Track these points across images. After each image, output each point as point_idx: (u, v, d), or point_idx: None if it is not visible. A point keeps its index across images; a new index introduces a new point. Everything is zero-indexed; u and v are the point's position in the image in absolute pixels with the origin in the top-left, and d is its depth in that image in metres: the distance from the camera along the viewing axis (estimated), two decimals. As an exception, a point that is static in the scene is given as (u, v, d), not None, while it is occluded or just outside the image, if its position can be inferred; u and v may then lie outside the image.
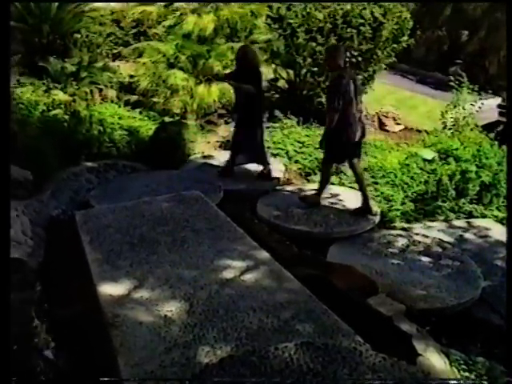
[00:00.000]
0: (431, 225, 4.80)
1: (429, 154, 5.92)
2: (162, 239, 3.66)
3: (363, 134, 4.59)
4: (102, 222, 4.00)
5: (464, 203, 5.08)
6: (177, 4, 7.99)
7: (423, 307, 3.34)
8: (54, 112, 5.53)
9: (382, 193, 5.11)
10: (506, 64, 4.78)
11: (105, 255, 3.44)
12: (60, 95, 5.99)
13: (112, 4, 9.84)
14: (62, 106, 5.70)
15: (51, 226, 4.28)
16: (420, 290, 3.53)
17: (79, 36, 7.33)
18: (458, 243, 4.42)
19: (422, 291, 3.51)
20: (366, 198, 4.57)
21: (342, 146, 4.52)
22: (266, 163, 5.38)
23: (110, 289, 3.03)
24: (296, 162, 5.96)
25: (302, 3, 7.07)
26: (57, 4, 6.80)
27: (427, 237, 4.41)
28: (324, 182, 4.73)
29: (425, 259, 4.01)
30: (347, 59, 6.49)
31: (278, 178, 5.48)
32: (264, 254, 3.46)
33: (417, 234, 4.47)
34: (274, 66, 7.98)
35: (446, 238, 4.47)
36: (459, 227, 4.78)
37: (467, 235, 4.62)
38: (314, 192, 4.79)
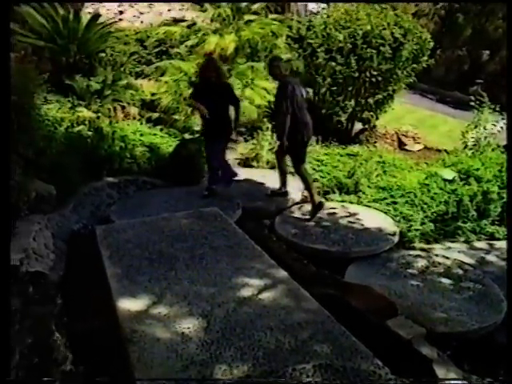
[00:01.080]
0: (452, 246, 4.73)
1: (449, 174, 5.86)
2: (180, 255, 3.69)
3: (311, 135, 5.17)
4: (122, 237, 4.05)
5: (486, 224, 5.00)
6: (199, 24, 8.17)
7: (444, 331, 3.27)
8: (78, 128, 5.67)
9: (401, 212, 5.07)
10: (507, 64, 4.74)
11: (124, 270, 3.48)
12: (84, 112, 6.14)
13: (136, 24, 10.15)
14: (86, 122, 5.84)
15: (72, 239, 4.36)
16: (440, 312, 3.47)
17: (104, 55, 7.54)
18: (480, 265, 4.34)
19: (443, 314, 3.45)
20: (312, 196, 4.94)
21: (302, 145, 5.02)
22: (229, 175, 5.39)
23: (129, 304, 3.06)
24: (314, 180, 5.96)
25: (323, 24, 7.15)
26: (84, 25, 7.02)
27: (447, 258, 4.34)
28: (282, 177, 5.41)
29: (445, 281, 3.94)
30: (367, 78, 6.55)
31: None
32: (282, 273, 3.45)
33: (437, 255, 4.41)
34: (293, 84, 8.04)
35: (467, 260, 4.39)
36: (481, 249, 4.70)
37: (489, 257, 4.53)
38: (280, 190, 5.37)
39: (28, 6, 6.83)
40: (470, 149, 7.14)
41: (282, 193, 5.39)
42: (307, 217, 4.89)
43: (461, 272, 4.09)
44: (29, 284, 2.96)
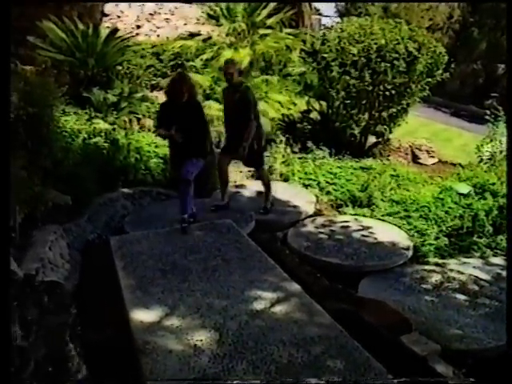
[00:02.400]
0: (467, 261, 4.67)
1: (464, 188, 5.81)
2: (193, 267, 3.70)
3: None
4: (136, 248, 4.08)
5: (502, 240, 4.93)
6: (215, 38, 8.30)
7: (459, 348, 3.22)
8: (94, 140, 5.77)
9: (415, 226, 5.03)
10: (506, 65, 4.71)
11: (137, 281, 3.51)
12: (101, 124, 6.25)
13: (153, 38, 10.34)
14: (103, 134, 5.94)
15: (87, 249, 4.40)
16: (455, 329, 3.42)
17: (121, 68, 7.68)
18: (496, 281, 4.27)
19: (458, 331, 3.40)
20: (267, 199, 5.15)
21: (264, 149, 5.18)
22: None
23: (142, 315, 3.08)
24: (327, 193, 5.96)
25: (337, 38, 7.20)
26: (103, 39, 7.19)
27: (462, 273, 4.29)
28: (224, 188, 5.25)
29: (460, 297, 3.89)
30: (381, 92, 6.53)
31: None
32: (295, 286, 3.44)
33: (451, 271, 4.35)
34: (307, 97, 8.10)
35: (483, 276, 4.33)
36: (496, 264, 4.63)
37: (505, 273, 4.46)
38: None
39: (49, 22, 7.01)
40: (486, 163, 7.08)
41: (224, 205, 5.14)
42: (320, 229, 4.88)
43: (476, 288, 4.03)
44: (44, 293, 2.99)
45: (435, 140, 9.03)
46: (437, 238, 4.88)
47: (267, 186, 5.25)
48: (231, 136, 5.05)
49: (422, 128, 10.14)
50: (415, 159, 8.12)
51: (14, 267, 2.99)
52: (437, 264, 4.54)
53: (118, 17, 11.10)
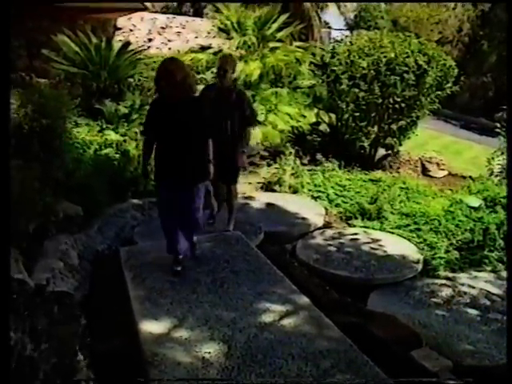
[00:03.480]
0: (478, 275, 4.61)
1: (475, 202, 5.77)
2: (202, 279, 3.70)
3: None
4: (145, 258, 4.10)
5: (513, 254, 4.87)
6: (225, 51, 8.38)
7: (471, 363, 3.18)
8: (105, 151, 5.83)
9: (425, 240, 4.99)
10: (507, 66, 4.68)
11: (146, 292, 3.52)
12: (112, 135, 6.32)
13: (164, 51, 10.47)
14: (114, 145, 6.01)
15: (97, 260, 4.43)
16: (467, 344, 3.37)
17: (132, 80, 7.78)
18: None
19: (470, 346, 3.35)
20: (230, 219, 4.74)
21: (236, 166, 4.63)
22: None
23: (151, 326, 3.08)
24: (337, 205, 5.95)
25: (347, 51, 7.24)
26: (115, 52, 7.30)
27: (474, 288, 4.24)
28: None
29: (472, 312, 3.84)
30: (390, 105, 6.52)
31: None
32: (303, 299, 3.43)
33: (462, 285, 4.31)
34: (316, 110, 8.13)
35: (495, 290, 4.27)
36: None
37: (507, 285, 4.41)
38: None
39: (64, 35, 7.15)
40: (496, 176, 7.03)
41: (212, 223, 4.81)
42: (329, 242, 4.87)
43: (488, 303, 3.98)
44: (54, 304, 3.01)
45: (445, 152, 8.99)
46: (447, 252, 4.83)
47: (232, 206, 4.77)
48: (222, 144, 4.05)
49: (432, 140, 10.10)
50: (425, 172, 8.08)
51: (25, 277, 3.02)
52: (447, 278, 4.50)
53: (131, 30, 11.29)
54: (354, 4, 21.81)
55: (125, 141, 6.19)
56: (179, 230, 3.69)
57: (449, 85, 7.44)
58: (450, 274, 4.58)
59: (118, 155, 5.83)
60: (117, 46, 7.74)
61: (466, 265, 4.76)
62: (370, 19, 22.10)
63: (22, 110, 4.16)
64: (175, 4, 17.51)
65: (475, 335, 3.49)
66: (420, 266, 4.47)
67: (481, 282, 4.43)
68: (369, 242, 4.85)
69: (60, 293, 3.24)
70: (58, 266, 3.62)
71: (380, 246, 4.84)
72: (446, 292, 4.15)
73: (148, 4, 10.04)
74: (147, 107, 7.74)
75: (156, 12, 13.01)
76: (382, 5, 22.32)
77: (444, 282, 4.38)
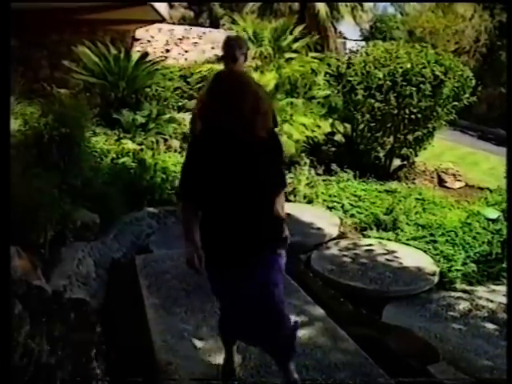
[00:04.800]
0: (496, 289, 4.52)
1: (492, 213, 5.68)
2: (216, 288, 3.70)
3: None
4: (160, 267, 4.13)
5: (533, 267, 4.78)
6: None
7: (489, 379, 3.11)
8: (122, 160, 5.92)
9: (441, 251, 4.93)
10: (507, 67, 4.60)
11: (161, 301, 3.54)
12: (129, 144, 6.42)
13: (181, 61, 10.61)
14: (130, 154, 6.09)
15: (112, 267, 4.47)
16: (485, 359, 3.30)
17: (149, 90, 7.91)
18: (527, 311, 4.13)
19: (488, 362, 3.28)
20: None
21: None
22: None
23: (165, 335, 3.09)
24: (351, 215, 5.92)
25: (362, 62, 7.25)
26: (133, 63, 7.44)
27: (492, 301, 4.16)
28: None
29: (490, 326, 3.77)
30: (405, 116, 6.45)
31: None
32: (318, 311, 3.41)
33: (480, 298, 4.23)
34: (331, 120, 8.14)
35: (513, 305, 4.19)
36: (528, 293, 4.48)
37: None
38: None
39: (84, 46, 7.31)
40: (515, 187, 6.92)
41: None
42: (344, 252, 4.84)
43: (506, 317, 3.90)
44: (71, 311, 3.05)
45: (462, 163, 8.89)
46: (464, 264, 4.76)
47: None
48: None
49: (448, 151, 10.01)
50: (441, 183, 8.01)
51: (43, 284, 3.07)
52: (464, 291, 4.42)
53: (148, 41, 11.48)
54: (370, 14, 21.85)
55: (141, 150, 6.28)
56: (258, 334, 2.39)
57: (466, 95, 7.38)
58: (467, 287, 4.50)
59: (134, 164, 5.91)
60: (135, 56, 7.88)
61: (484, 278, 4.68)
62: (386, 30, 22.11)
63: (43, 120, 4.26)
64: (192, 15, 17.76)
65: (494, 350, 3.42)
66: (436, 279, 4.40)
67: (499, 296, 4.34)
68: (384, 254, 4.81)
69: (76, 300, 3.28)
70: (75, 273, 3.67)
71: (395, 257, 4.79)
72: (463, 305, 4.08)
73: (166, 15, 10.21)
74: (165, 117, 7.84)
75: (173, 23, 13.23)
76: (398, 15, 22.32)
77: (461, 295, 4.31)
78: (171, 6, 13.22)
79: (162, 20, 10.37)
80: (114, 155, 5.97)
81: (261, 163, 2.22)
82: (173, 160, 6.53)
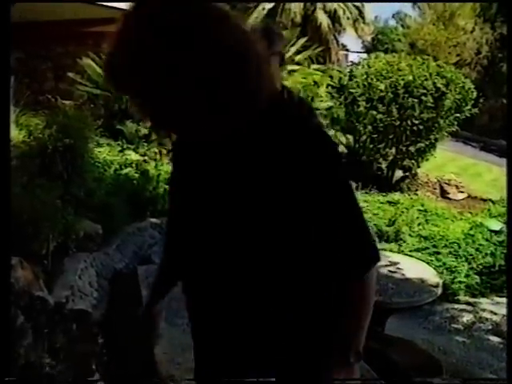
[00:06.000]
0: (500, 301, 4.50)
1: (496, 225, 5.67)
2: (218, 299, 3.69)
3: None
4: (163, 278, 4.12)
5: (537, 280, 4.75)
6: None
7: (493, 393, 3.09)
8: (125, 170, 5.94)
9: (444, 263, 4.92)
10: (507, 67, 4.62)
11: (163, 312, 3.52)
12: (132, 155, 6.45)
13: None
14: (134, 165, 6.11)
15: (114, 278, 4.46)
16: (489, 373, 3.28)
17: (153, 101, 7.96)
18: (531, 324, 4.10)
19: (492, 375, 3.26)
20: None
21: None
22: None
23: (166, 347, 3.07)
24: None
25: (364, 74, 7.31)
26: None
27: (496, 314, 4.14)
28: None
29: (494, 339, 3.74)
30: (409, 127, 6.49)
31: None
32: (320, 322, 3.39)
33: (484, 310, 4.21)
34: (333, 131, 8.17)
35: (518, 317, 4.16)
36: (532, 306, 4.45)
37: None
38: None
39: (88, 58, 7.39)
40: (518, 199, 6.91)
41: None
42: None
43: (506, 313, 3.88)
44: (73, 322, 3.05)
45: (464, 175, 8.90)
46: (467, 276, 4.75)
47: None
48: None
49: (451, 162, 10.02)
50: (444, 194, 8.01)
51: (45, 295, 3.07)
52: (468, 303, 4.40)
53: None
54: (372, 27, 22.04)
55: (145, 161, 6.30)
56: None
57: (468, 107, 7.43)
58: (471, 299, 4.49)
59: (137, 175, 5.93)
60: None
61: (488, 290, 4.67)
62: (388, 42, 22.27)
63: (47, 131, 4.29)
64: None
65: (498, 363, 3.39)
66: (439, 291, 4.39)
67: (503, 308, 4.31)
68: (386, 265, 4.79)
69: (78, 311, 3.28)
70: (77, 284, 3.67)
71: (398, 269, 4.78)
72: (466, 318, 4.05)
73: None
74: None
75: (177, 35, 13.32)
76: (400, 28, 22.50)
77: (464, 307, 4.29)
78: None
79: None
80: (117, 166, 5.99)
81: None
82: (175, 171, 6.54)
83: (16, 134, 4.59)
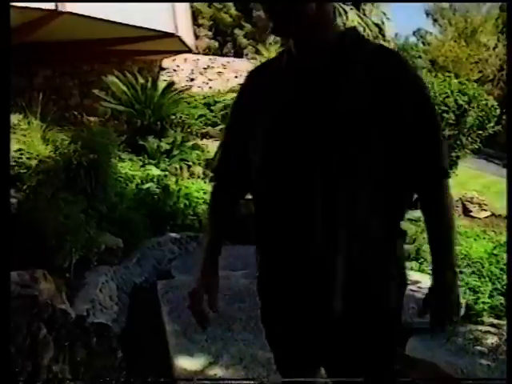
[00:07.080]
0: (526, 323, 4.37)
1: (521, 245, 5.54)
2: (237, 316, 3.69)
3: None
4: (182, 293, 4.13)
5: None
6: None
7: (519, 420, 2.98)
8: (146, 185, 6.04)
9: (467, 283, 4.81)
10: (507, 68, 4.52)
11: (182, 327, 3.53)
12: (153, 170, 6.55)
13: (205, 90, 10.87)
14: (155, 180, 6.21)
15: (134, 292, 4.50)
16: (515, 398, 3.17)
17: (174, 117, 8.11)
18: (559, 348, 3.96)
19: (518, 400, 3.15)
20: None
21: None
22: None
23: (186, 363, 3.08)
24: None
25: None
26: (160, 92, 7.68)
27: (521, 337, 4.01)
28: None
29: (520, 363, 3.62)
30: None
31: None
32: (340, 341, 3.34)
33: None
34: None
35: (544, 341, 4.03)
36: (559, 329, 4.30)
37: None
38: None
39: (113, 76, 7.60)
40: (544, 218, 6.75)
41: None
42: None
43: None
44: (93, 335, 3.08)
45: (487, 192, 8.74)
46: (491, 297, 4.63)
47: None
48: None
49: (473, 180, 9.86)
50: (466, 212, 7.87)
51: (67, 308, 3.12)
52: (492, 325, 4.28)
53: (174, 70, 11.81)
54: (392, 43, 22.02)
55: (165, 176, 6.39)
56: None
57: (491, 124, 7.33)
58: (495, 321, 4.36)
59: (158, 190, 6.02)
60: (161, 85, 8.13)
61: (513, 312, 4.54)
62: (408, 59, 22.16)
63: (73, 146, 4.41)
64: (217, 45, 18.26)
65: (524, 388, 3.28)
66: (462, 311, 4.29)
67: (529, 331, 4.19)
68: (407, 284, 4.72)
69: (99, 324, 3.31)
70: (98, 297, 3.71)
71: (419, 288, 4.67)
72: (491, 340, 3.93)
73: (192, 46, 10.53)
74: (188, 144, 7.98)
75: (199, 53, 13.60)
76: (420, 45, 22.44)
77: (489, 328, 4.17)
78: (197, 37, 13.64)
79: (189, 51, 10.70)
80: (139, 181, 6.09)
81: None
82: (196, 186, 6.62)
83: (43, 149, 4.72)
